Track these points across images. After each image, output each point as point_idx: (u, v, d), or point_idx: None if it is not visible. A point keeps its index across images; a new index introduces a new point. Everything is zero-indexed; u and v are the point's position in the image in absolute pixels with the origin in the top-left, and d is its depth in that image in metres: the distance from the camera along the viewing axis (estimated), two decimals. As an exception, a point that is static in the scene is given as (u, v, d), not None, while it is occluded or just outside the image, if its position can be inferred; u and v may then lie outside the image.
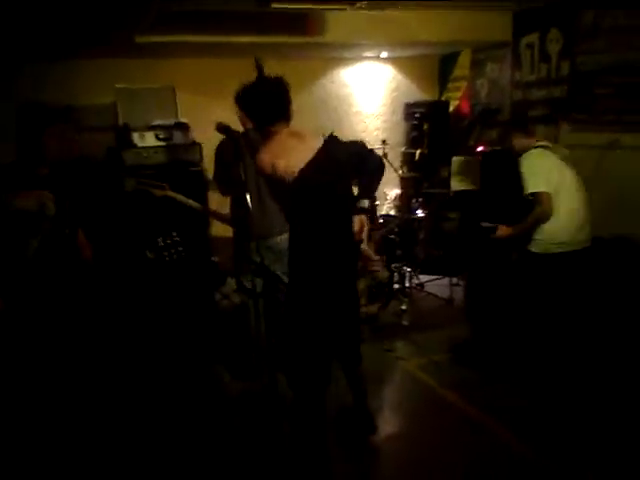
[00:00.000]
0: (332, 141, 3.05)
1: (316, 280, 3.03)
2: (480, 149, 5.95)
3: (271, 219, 3.67)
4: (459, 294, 5.82)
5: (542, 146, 4.19)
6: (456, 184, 5.55)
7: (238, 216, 3.75)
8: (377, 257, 3.14)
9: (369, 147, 3.28)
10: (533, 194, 4.00)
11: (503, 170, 5.37)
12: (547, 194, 3.97)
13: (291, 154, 2.93)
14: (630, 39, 4.95)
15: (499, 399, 3.95)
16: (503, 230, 4.23)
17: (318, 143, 3.00)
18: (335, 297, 3.13)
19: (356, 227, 2.98)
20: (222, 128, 2.81)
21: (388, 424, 3.81)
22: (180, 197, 3.72)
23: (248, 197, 2.59)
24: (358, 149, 3.17)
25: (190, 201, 3.76)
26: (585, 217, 4.13)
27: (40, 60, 5.70)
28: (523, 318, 4.24)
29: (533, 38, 6.04)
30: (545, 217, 4.01)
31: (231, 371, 4.40)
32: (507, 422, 3.66)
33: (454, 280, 5.96)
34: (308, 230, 3.00)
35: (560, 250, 4.04)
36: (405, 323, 5.22)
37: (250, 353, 4.07)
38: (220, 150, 3.87)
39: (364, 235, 2.99)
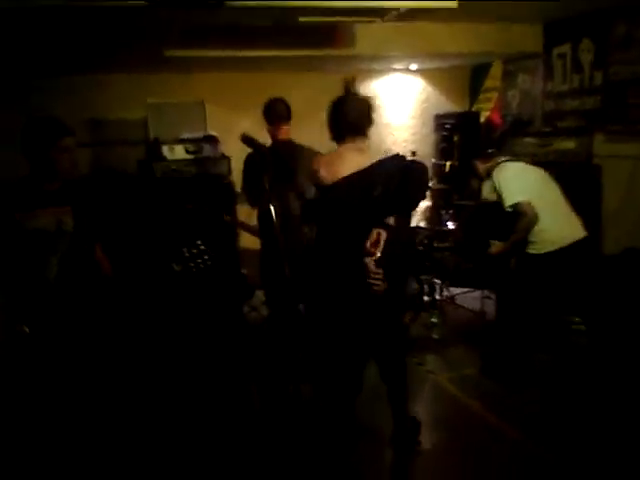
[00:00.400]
0: (390, 158, 3.16)
1: (336, 289, 3.08)
2: (511, 160, 5.87)
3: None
4: (490, 307, 5.72)
5: (503, 161, 4.33)
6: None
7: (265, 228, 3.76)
8: (378, 270, 3.02)
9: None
10: (512, 206, 4.05)
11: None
12: (527, 202, 4.02)
13: (344, 164, 3.07)
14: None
15: (529, 412, 3.88)
16: (497, 246, 4.31)
17: (374, 159, 3.10)
18: (361, 307, 3.11)
19: (369, 240, 2.94)
20: (247, 139, 2.81)
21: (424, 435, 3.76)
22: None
23: (272, 209, 2.57)
24: (406, 164, 3.19)
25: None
26: (567, 208, 4.21)
27: (67, 74, 5.80)
28: (531, 317, 4.23)
29: (565, 48, 5.96)
30: (532, 224, 4.05)
31: (261, 386, 4.38)
32: (537, 436, 3.59)
33: (485, 293, 5.86)
34: (332, 237, 3.07)
35: (557, 247, 4.06)
36: (435, 336, 5.14)
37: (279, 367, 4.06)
38: (248, 162, 3.88)
39: (377, 250, 2.92)
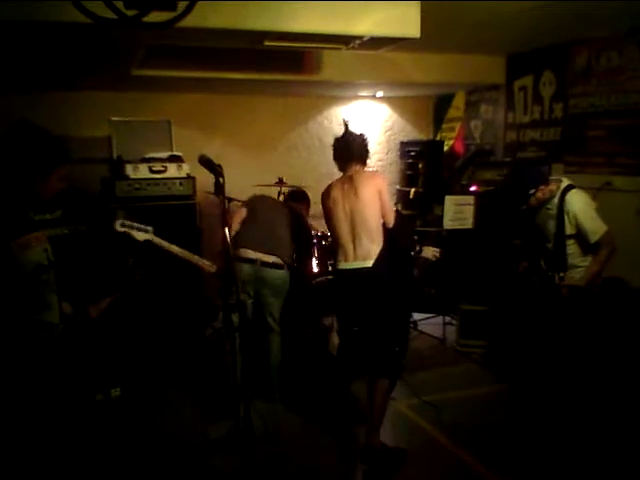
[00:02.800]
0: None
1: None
2: (473, 189, 5.97)
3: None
4: (452, 334, 5.76)
5: (568, 184, 4.09)
6: (448, 223, 5.54)
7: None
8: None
9: None
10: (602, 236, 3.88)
11: (499, 211, 5.43)
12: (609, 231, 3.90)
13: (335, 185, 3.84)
14: (623, 80, 5.03)
15: (490, 441, 3.89)
16: (583, 279, 3.95)
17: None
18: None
19: None
20: (204, 161, 2.81)
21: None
22: (163, 243, 3.69)
23: (227, 231, 2.55)
24: None
25: (173, 247, 3.74)
26: None
27: (33, 90, 5.74)
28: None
29: (527, 81, 6.12)
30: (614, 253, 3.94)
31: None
32: (496, 466, 3.59)
33: (447, 319, 5.90)
34: None
35: None
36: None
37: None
38: None
39: None
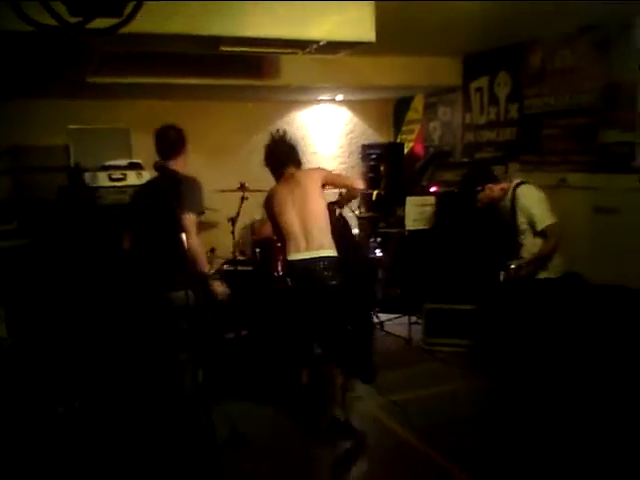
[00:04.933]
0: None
1: None
2: (433, 189, 6.05)
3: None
4: (417, 333, 5.81)
5: (520, 182, 4.38)
6: (410, 224, 5.60)
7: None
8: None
9: None
10: (546, 227, 4.15)
11: (458, 210, 5.51)
12: (558, 224, 4.17)
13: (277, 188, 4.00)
14: (576, 80, 5.14)
15: (460, 441, 3.89)
16: (525, 269, 4.17)
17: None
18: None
19: None
20: (158, 167, 2.77)
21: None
22: None
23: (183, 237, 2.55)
24: None
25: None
26: None
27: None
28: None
29: (482, 82, 6.23)
30: (558, 246, 4.20)
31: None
32: (468, 466, 3.60)
33: (412, 319, 5.95)
34: None
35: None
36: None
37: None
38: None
39: None
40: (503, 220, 4.47)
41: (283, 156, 4.02)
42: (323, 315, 3.83)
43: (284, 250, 3.94)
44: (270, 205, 3.98)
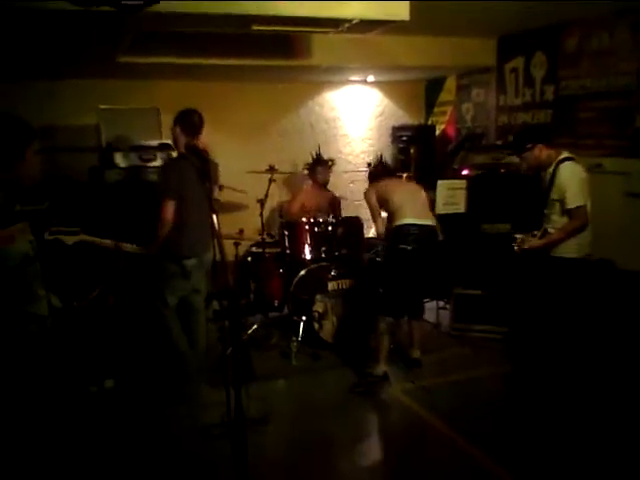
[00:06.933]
0: None
1: None
2: (465, 173, 5.94)
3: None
4: (446, 318, 5.76)
5: (569, 157, 4.21)
6: (441, 208, 5.51)
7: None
8: None
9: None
10: (575, 207, 4.05)
11: (491, 193, 5.42)
12: (586, 207, 4.07)
13: None
14: (613, 63, 5.01)
15: (484, 426, 3.87)
16: (533, 242, 4.21)
17: None
18: None
19: None
20: (189, 147, 2.78)
21: (372, 450, 3.74)
22: (94, 239, 3.71)
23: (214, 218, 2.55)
24: None
25: (105, 241, 3.77)
26: None
27: (18, 79, 5.66)
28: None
29: (518, 62, 6.09)
30: (582, 230, 4.10)
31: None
32: (493, 451, 3.57)
33: (441, 304, 5.90)
34: None
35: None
36: (391, 346, 5.14)
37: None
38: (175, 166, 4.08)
39: None
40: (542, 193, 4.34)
41: None
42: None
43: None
44: None
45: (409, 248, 4.53)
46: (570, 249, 4.13)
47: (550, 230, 4.17)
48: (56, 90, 5.94)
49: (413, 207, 4.66)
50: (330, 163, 6.27)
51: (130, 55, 4.88)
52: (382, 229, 4.88)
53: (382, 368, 4.61)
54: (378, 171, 5.20)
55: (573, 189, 4.06)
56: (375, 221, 4.92)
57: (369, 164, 6.04)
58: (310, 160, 6.29)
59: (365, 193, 4.98)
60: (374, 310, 4.75)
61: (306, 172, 6.36)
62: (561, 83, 5.57)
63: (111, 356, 4.41)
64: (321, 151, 6.37)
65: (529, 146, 4.24)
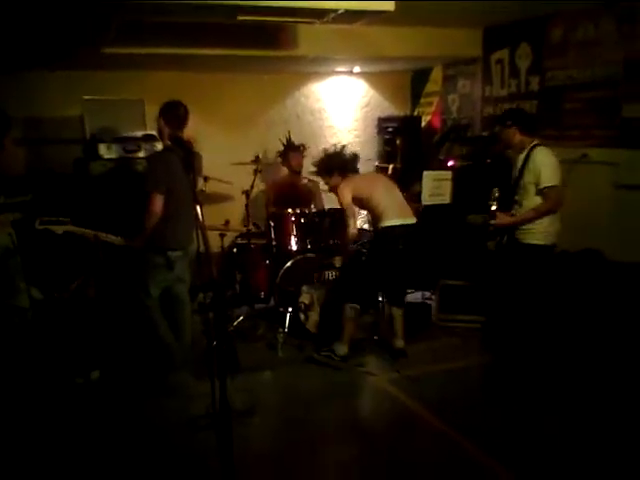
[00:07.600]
0: None
1: None
2: (450, 164, 5.96)
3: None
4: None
5: (539, 143, 4.33)
6: (427, 198, 5.52)
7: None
8: None
9: None
10: (548, 187, 4.15)
11: (476, 184, 5.43)
12: (560, 188, 4.17)
13: None
14: (600, 52, 5.02)
15: (473, 416, 3.89)
16: (502, 219, 4.35)
17: None
18: None
19: None
20: (173, 138, 2.78)
21: (359, 441, 3.75)
22: (83, 230, 3.73)
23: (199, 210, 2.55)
24: None
25: (87, 231, 3.78)
26: None
27: (2, 71, 5.60)
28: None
29: (503, 54, 6.10)
30: (554, 211, 4.22)
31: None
32: (479, 439, 3.59)
33: (426, 294, 5.92)
34: None
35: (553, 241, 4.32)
36: (375, 337, 5.16)
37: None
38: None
39: None
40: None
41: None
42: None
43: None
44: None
45: (400, 247, 4.57)
46: (537, 237, 4.24)
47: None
48: (41, 81, 5.89)
49: (395, 206, 4.66)
50: (302, 148, 6.25)
51: (115, 46, 4.84)
52: (356, 231, 4.80)
53: (344, 349, 4.68)
54: (338, 165, 4.83)
55: (548, 169, 4.18)
56: (349, 223, 4.66)
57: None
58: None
59: (338, 191, 4.70)
60: (342, 296, 4.76)
61: (279, 159, 6.34)
62: (547, 74, 5.59)
63: (97, 347, 4.39)
64: (305, 142, 6.37)
65: (509, 123, 4.39)
